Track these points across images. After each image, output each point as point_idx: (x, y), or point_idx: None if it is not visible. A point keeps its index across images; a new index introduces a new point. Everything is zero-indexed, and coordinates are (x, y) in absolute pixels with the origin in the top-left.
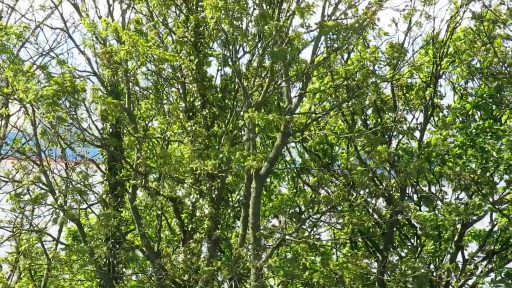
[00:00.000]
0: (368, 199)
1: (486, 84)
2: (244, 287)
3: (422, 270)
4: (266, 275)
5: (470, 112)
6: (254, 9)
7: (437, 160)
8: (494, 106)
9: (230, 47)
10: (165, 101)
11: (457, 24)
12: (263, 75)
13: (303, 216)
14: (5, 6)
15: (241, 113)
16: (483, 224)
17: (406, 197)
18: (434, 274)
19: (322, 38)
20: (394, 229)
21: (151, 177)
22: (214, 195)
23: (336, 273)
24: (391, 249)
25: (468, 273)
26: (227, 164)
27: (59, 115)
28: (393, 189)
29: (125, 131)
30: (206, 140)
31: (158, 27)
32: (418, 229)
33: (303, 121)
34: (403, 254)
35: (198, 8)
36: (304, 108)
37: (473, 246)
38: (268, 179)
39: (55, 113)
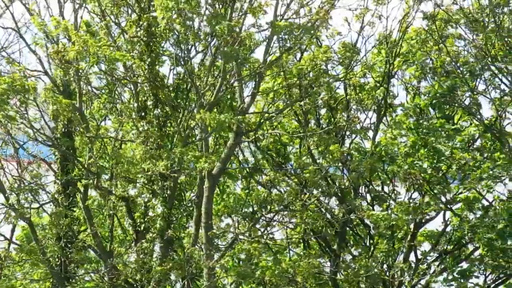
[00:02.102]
0: (321, 198)
1: (438, 84)
2: (197, 287)
3: (375, 270)
4: (218, 275)
5: (423, 111)
6: (206, 8)
7: (388, 159)
8: (447, 106)
9: (182, 46)
10: (117, 101)
11: (410, 24)
12: (215, 75)
13: (256, 216)
14: None
15: (194, 112)
16: (436, 224)
17: (359, 196)
18: (387, 273)
19: (275, 37)
20: (347, 228)
21: (104, 176)
22: (166, 195)
23: (288, 272)
24: (344, 248)
25: (421, 273)
26: (180, 164)
27: (9, 114)
28: (346, 188)
29: (77, 131)
30: (159, 140)
31: (110, 26)
32: (371, 228)
33: (256, 121)
34: (356, 254)
35: (150, 8)
36: (258, 107)
37: (426, 246)
38: (221, 179)
39: (5, 112)
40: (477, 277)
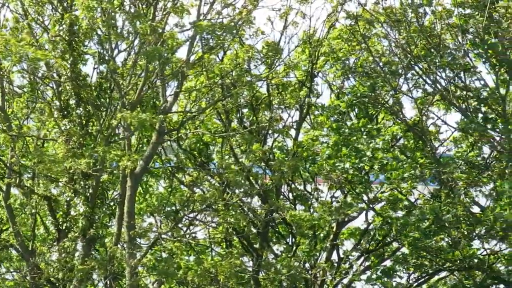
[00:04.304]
0: (243, 198)
1: (360, 83)
2: (119, 286)
3: (298, 269)
4: (140, 274)
5: (345, 111)
6: (130, 7)
7: (309, 159)
8: (369, 105)
9: (105, 46)
10: (40, 100)
11: (334, 23)
12: (138, 74)
13: (178, 215)
14: None
15: (117, 111)
16: (359, 223)
17: (281, 196)
18: (309, 272)
19: (197, 37)
20: (270, 227)
21: (26, 175)
22: (88, 194)
23: (210, 272)
24: (266, 247)
25: (343, 272)
26: (102, 163)
27: None
28: (268, 187)
29: None
30: (81, 139)
31: (33, 25)
32: (293, 227)
33: (179, 120)
34: (278, 253)
35: (73, 7)
36: (181, 106)
37: (349, 245)
38: (144, 178)
39: None
40: (400, 277)
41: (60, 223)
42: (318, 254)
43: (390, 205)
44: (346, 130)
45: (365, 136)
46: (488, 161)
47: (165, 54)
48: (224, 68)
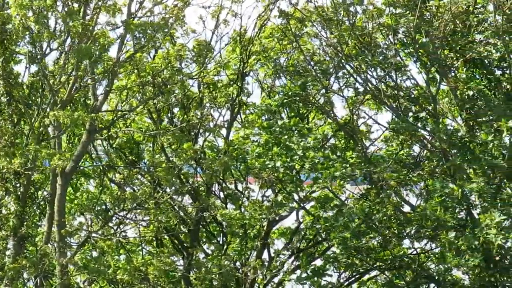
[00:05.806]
0: (174, 197)
1: (291, 82)
2: (50, 285)
3: (228, 268)
4: (71, 273)
5: (276, 110)
6: (63, 7)
7: (240, 158)
8: (301, 104)
9: (36, 44)
10: None
11: (265, 22)
12: (69, 73)
13: (109, 214)
14: None
15: (48, 110)
16: (290, 222)
17: (212, 195)
18: (240, 271)
19: (128, 35)
20: (200, 226)
21: None
22: (19, 193)
23: (141, 270)
24: (197, 246)
25: (274, 271)
26: (33, 162)
27: None
28: (199, 186)
29: None
30: (12, 138)
31: None
32: (224, 226)
33: (110, 118)
34: (209, 252)
35: (5, 5)
36: (112, 105)
37: (279, 244)
38: (74, 177)
39: None
40: (330, 275)
41: None
42: (249, 253)
43: (320, 204)
44: (277, 129)
45: (296, 135)
46: (418, 160)
47: (96, 53)
48: (156, 67)
